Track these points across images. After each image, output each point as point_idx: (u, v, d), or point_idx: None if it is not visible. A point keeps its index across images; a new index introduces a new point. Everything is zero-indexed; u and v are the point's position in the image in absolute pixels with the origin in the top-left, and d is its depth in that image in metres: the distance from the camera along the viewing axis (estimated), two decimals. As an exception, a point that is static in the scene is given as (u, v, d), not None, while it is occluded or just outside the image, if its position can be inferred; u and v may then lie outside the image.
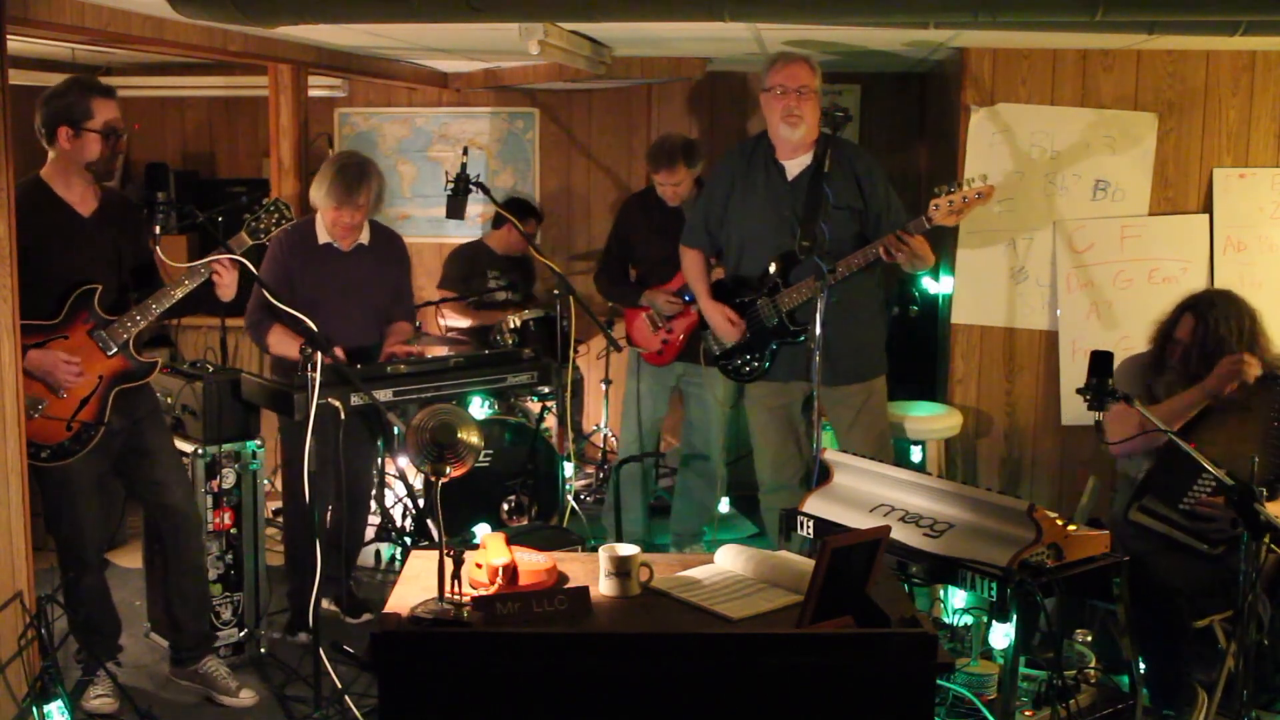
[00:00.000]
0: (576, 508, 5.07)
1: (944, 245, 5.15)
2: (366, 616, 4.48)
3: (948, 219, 3.81)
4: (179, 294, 3.57)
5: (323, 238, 4.26)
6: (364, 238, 4.32)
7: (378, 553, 4.99)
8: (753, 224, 4.17)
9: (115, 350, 3.55)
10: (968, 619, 3.25)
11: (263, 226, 3.69)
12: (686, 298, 4.85)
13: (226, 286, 3.64)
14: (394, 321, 4.44)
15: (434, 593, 2.57)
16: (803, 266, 3.99)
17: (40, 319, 3.44)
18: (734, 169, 4.23)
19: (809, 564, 2.68)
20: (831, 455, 3.50)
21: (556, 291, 4.68)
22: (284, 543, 4.48)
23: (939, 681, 3.02)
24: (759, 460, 4.37)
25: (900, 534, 3.08)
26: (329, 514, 4.27)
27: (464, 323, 5.57)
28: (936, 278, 5.33)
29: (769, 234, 4.10)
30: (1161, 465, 3.66)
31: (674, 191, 4.87)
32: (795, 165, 4.09)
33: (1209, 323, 3.63)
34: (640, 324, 5.03)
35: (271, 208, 3.71)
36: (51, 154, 3.50)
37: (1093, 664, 3.28)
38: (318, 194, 4.19)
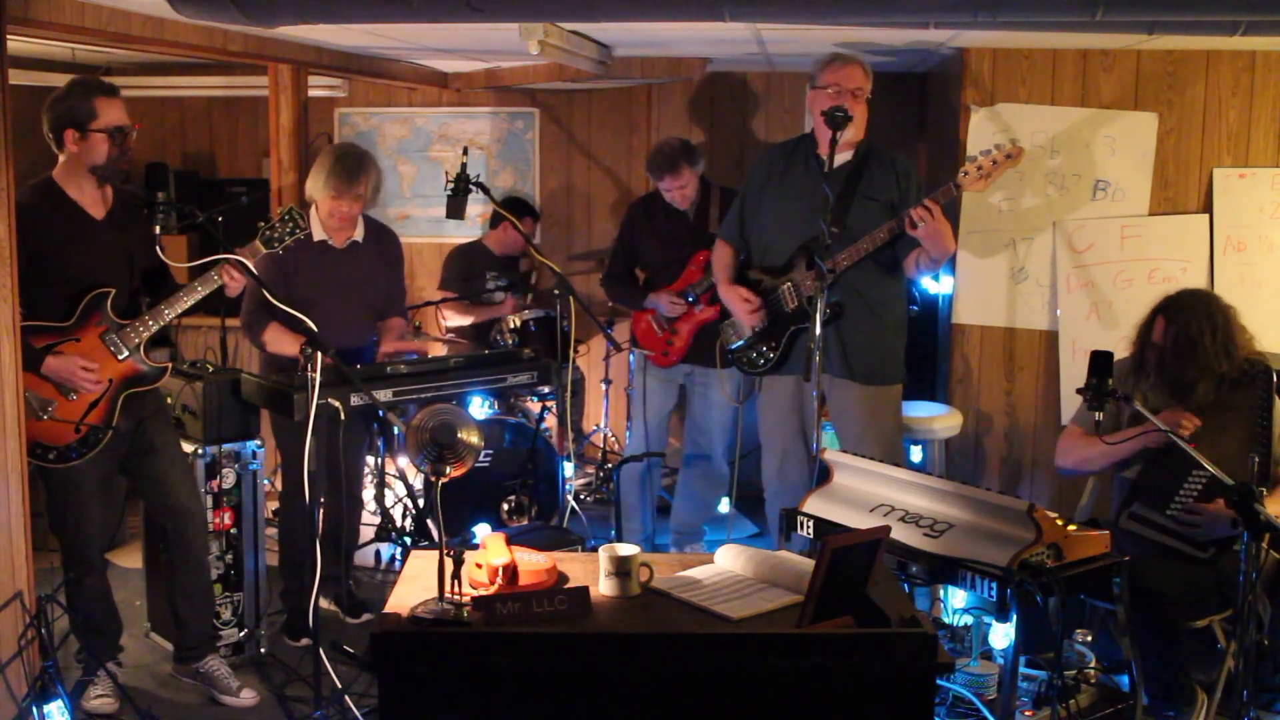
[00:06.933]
0: (576, 508, 5.07)
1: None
2: (366, 616, 4.48)
3: (977, 184, 3.84)
4: (191, 300, 3.57)
5: (318, 234, 4.24)
6: (358, 234, 4.32)
7: (378, 553, 4.99)
8: (787, 210, 4.15)
9: (126, 354, 3.55)
10: (968, 619, 3.24)
11: (278, 235, 3.68)
12: (689, 298, 4.85)
13: (236, 288, 3.65)
14: (387, 319, 4.44)
15: (434, 593, 2.57)
16: (830, 252, 3.99)
17: (52, 321, 3.44)
18: (772, 164, 4.23)
19: (809, 564, 2.69)
20: (832, 455, 3.50)
21: (557, 291, 4.68)
22: (279, 543, 4.45)
23: (939, 681, 3.03)
24: (765, 459, 4.35)
25: (900, 534, 3.08)
26: (322, 514, 4.27)
27: (465, 321, 5.57)
28: (937, 278, 5.33)
29: (799, 222, 4.08)
30: (1149, 470, 3.66)
31: (682, 194, 4.86)
32: (836, 160, 4.07)
33: (1180, 324, 3.63)
34: (646, 326, 5.03)
35: (287, 217, 3.69)
36: (61, 157, 3.50)
37: (1093, 664, 3.28)
38: (315, 184, 4.19)
